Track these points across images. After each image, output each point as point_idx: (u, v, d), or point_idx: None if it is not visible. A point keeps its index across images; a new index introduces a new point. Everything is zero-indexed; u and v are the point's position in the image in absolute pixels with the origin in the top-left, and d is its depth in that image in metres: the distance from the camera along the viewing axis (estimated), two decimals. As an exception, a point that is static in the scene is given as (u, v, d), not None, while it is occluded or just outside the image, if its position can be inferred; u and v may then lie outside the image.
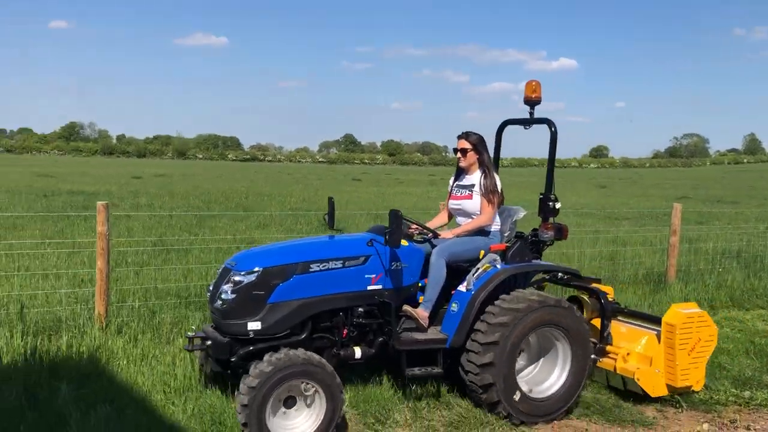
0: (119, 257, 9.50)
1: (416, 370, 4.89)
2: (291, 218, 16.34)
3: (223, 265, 4.80)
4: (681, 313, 5.22)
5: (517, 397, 4.79)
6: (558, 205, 5.24)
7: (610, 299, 5.52)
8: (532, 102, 5.30)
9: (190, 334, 4.85)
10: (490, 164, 5.34)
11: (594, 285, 5.60)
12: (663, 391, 5.23)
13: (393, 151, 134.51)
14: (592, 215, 19.48)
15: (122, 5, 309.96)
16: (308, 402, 4.33)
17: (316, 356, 4.38)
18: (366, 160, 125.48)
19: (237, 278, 4.56)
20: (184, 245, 11.07)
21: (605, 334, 5.40)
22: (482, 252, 5.11)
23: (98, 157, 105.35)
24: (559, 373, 5.05)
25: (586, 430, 4.91)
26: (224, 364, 4.59)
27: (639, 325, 5.52)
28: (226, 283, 4.58)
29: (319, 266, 4.69)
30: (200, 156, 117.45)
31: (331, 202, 5.33)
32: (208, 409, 4.63)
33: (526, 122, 5.44)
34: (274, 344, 4.52)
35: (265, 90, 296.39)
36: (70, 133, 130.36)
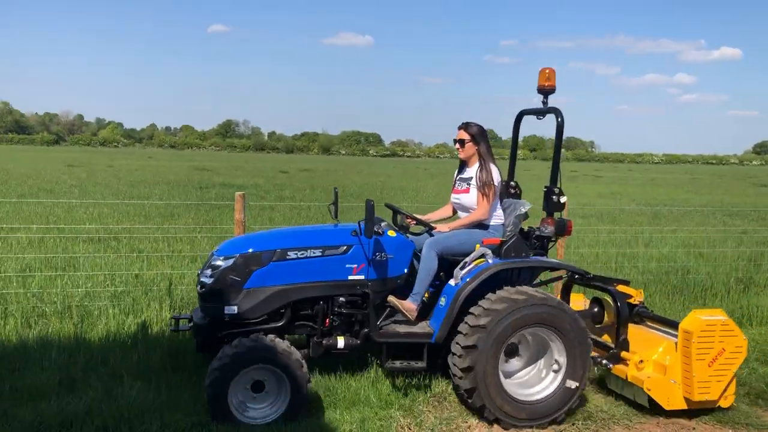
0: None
1: (397, 364, 4.82)
2: (419, 211, 16.70)
3: (211, 252, 4.94)
4: (700, 319, 4.76)
5: (502, 400, 4.57)
6: (563, 199, 5.01)
7: (635, 302, 5.29)
8: (545, 91, 5.06)
9: (176, 315, 5.03)
10: (487, 156, 5.10)
11: (619, 287, 5.29)
12: (680, 404, 4.78)
13: (534, 146, 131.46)
14: (741, 215, 18.23)
15: (273, 9, 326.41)
16: (274, 388, 4.42)
17: (283, 343, 4.41)
18: (506, 156, 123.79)
19: (216, 263, 4.70)
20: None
21: (621, 339, 5.04)
22: (478, 246, 4.92)
23: (250, 152, 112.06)
24: (553, 376, 4.77)
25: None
26: (203, 347, 4.74)
27: (665, 332, 5.10)
28: (207, 268, 4.74)
29: (296, 254, 4.72)
30: (343, 152, 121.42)
31: (335, 193, 5.20)
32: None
33: (540, 112, 5.23)
34: (251, 329, 4.59)
35: (408, 87, 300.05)
36: (226, 130, 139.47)
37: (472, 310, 4.59)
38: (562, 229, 5.05)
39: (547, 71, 5.00)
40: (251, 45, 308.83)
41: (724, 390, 4.82)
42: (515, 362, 4.93)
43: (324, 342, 4.81)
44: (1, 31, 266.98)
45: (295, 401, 4.38)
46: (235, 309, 4.60)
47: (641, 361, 4.86)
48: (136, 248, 9.83)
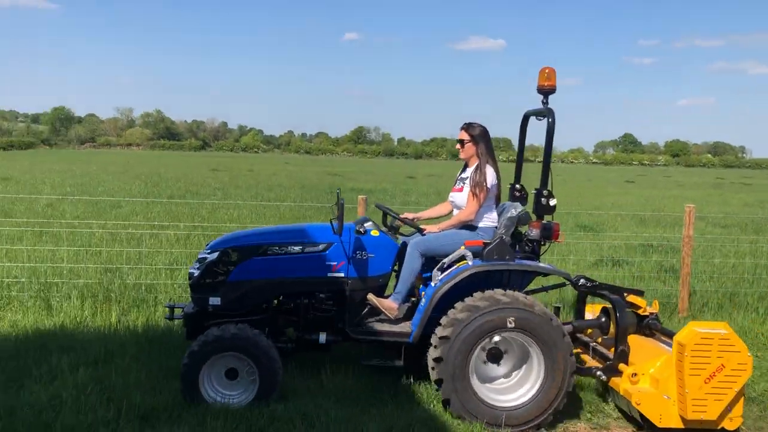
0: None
1: (374, 361, 4.92)
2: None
3: None
4: (695, 331, 4.40)
5: (470, 399, 4.54)
6: (553, 202, 4.85)
7: (644, 314, 5.10)
8: (545, 90, 4.88)
9: (170, 304, 5.37)
10: (484, 157, 5.06)
11: (630, 298, 5.13)
12: (675, 423, 4.46)
13: (678, 151, 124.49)
14: None
15: (404, 15, 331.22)
16: (246, 375, 4.61)
17: (251, 332, 4.57)
18: (645, 161, 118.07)
19: (203, 256, 4.94)
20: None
21: (618, 351, 4.82)
22: (462, 247, 4.87)
23: (380, 158, 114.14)
24: (530, 384, 4.66)
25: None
26: (192, 335, 4.85)
27: (670, 344, 4.73)
28: (197, 261, 5.00)
29: (277, 250, 4.89)
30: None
31: (338, 196, 5.00)
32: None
33: (542, 113, 5.04)
34: (235, 321, 4.76)
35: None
36: (358, 136, 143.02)
37: (456, 305, 4.60)
38: (548, 233, 4.91)
39: (546, 71, 4.84)
40: (382, 51, 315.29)
41: (727, 411, 4.44)
42: (499, 368, 4.81)
43: (306, 337, 4.97)
44: (165, 47, 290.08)
45: (263, 389, 4.57)
46: (218, 300, 4.84)
47: (634, 374, 4.61)
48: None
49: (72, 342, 5.77)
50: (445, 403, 4.59)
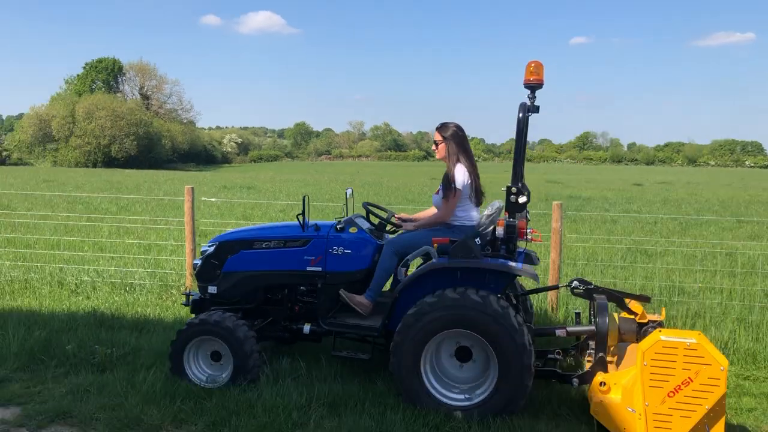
0: (589, 254, 10.34)
1: (343, 352, 5.09)
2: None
3: None
4: (658, 339, 3.97)
5: (421, 395, 4.58)
6: (522, 199, 4.70)
7: (643, 321, 4.72)
8: (532, 85, 4.70)
9: (186, 291, 5.63)
10: (454, 157, 5.03)
11: (631, 304, 4.85)
12: None
13: None
14: None
15: (637, 16, 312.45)
16: (227, 358, 4.98)
17: (230, 320, 4.95)
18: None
19: (204, 249, 5.49)
20: (659, 249, 11.23)
21: (597, 358, 4.53)
22: (436, 246, 4.80)
23: (607, 164, 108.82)
24: (486, 386, 4.54)
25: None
26: None
27: None
28: (201, 253, 5.49)
29: (262, 244, 5.29)
30: (712, 163, 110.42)
31: (304, 201, 5.18)
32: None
33: (531, 109, 4.80)
34: (229, 308, 5.24)
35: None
36: (584, 142, 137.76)
37: (419, 301, 4.61)
38: (511, 231, 4.75)
39: (533, 65, 4.65)
40: (614, 54, 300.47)
41: (703, 430, 3.91)
42: (466, 367, 4.70)
43: (293, 327, 5.29)
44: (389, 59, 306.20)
45: (237, 372, 4.92)
46: (215, 289, 5.37)
47: (603, 383, 4.26)
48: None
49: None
50: (398, 395, 4.69)
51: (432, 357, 4.69)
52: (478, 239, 4.90)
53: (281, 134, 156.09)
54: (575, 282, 5.14)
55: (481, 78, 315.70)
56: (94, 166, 65.38)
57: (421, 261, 5.11)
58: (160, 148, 74.84)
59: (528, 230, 4.89)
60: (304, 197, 5.18)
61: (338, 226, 5.20)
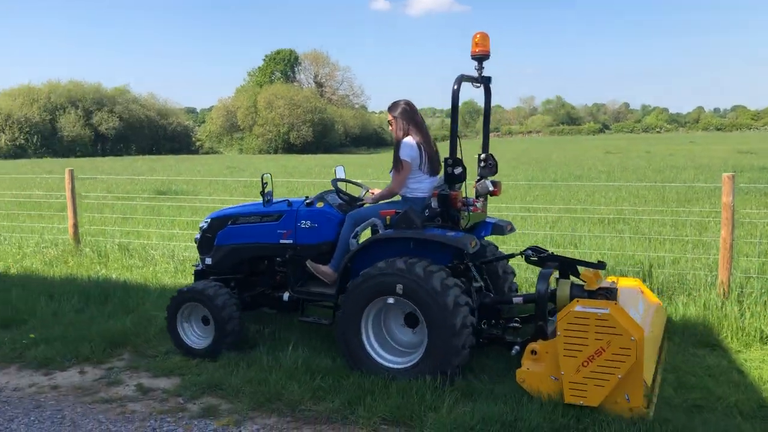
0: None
1: (309, 318, 5.50)
2: None
3: None
4: (572, 309, 4.09)
5: (360, 355, 4.87)
6: (458, 171, 4.74)
7: (589, 288, 4.60)
8: (478, 57, 4.90)
9: (195, 264, 6.23)
10: (401, 133, 5.19)
11: (584, 271, 4.73)
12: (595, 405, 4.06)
13: None
14: None
15: None
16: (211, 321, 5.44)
17: (212, 289, 5.43)
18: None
19: (201, 225, 6.03)
20: None
21: (537, 325, 4.62)
22: (388, 218, 4.98)
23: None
24: (419, 353, 4.73)
25: None
26: None
27: None
28: (200, 229, 6.02)
29: (244, 219, 5.74)
30: None
31: (262, 179, 5.65)
32: None
33: (477, 80, 5.02)
34: (223, 278, 5.76)
35: None
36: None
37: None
38: (443, 202, 4.85)
39: (478, 36, 4.84)
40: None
41: (618, 397, 4.01)
42: (413, 332, 4.94)
43: (275, 295, 5.73)
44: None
45: (217, 337, 5.38)
46: (210, 260, 5.89)
47: (534, 351, 4.36)
48: (640, 230, 9.95)
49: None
50: (346, 363, 4.97)
51: (373, 322, 4.95)
52: (427, 211, 5.00)
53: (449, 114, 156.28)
54: (529, 251, 5.12)
55: (656, 45, 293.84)
56: (275, 152, 69.65)
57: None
58: (333, 133, 78.01)
59: (470, 200, 5.07)
60: (262, 175, 5.67)
61: (306, 202, 5.53)
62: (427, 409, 4.34)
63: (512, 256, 5.49)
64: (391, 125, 5.30)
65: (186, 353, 5.50)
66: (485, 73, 5.08)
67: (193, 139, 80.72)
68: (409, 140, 5.13)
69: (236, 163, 38.02)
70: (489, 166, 5.25)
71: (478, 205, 5.17)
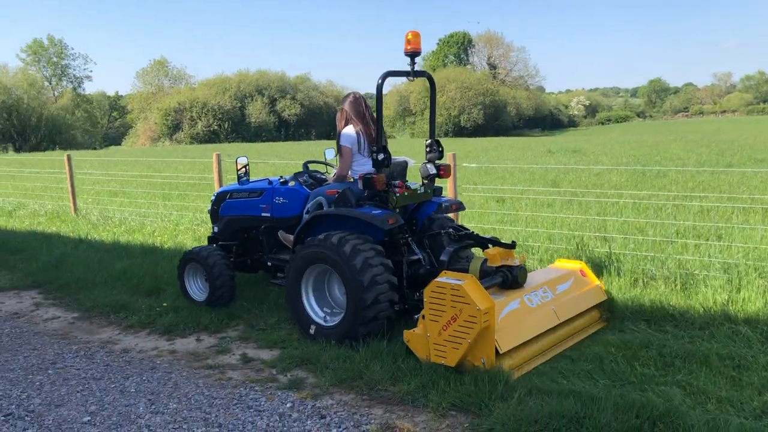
0: None
1: (276, 281, 6.20)
2: None
3: None
4: (434, 280, 4.64)
5: (312, 327, 5.49)
6: (380, 157, 5.32)
7: (492, 264, 5.23)
8: (411, 54, 5.31)
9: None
10: (342, 122, 5.93)
11: (494, 249, 5.39)
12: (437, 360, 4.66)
13: None
14: None
15: None
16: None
17: (206, 251, 6.50)
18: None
19: (212, 198, 7.01)
20: None
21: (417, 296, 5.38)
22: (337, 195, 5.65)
23: None
24: (342, 314, 5.34)
25: None
26: None
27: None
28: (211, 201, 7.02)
29: (237, 195, 6.60)
30: None
31: (237, 163, 6.65)
32: None
33: (408, 74, 5.44)
34: (227, 243, 6.75)
35: None
36: None
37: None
38: (367, 183, 5.39)
39: (409, 35, 5.26)
40: None
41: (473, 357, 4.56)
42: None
43: (261, 260, 6.53)
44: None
45: (211, 291, 6.42)
46: (217, 228, 6.85)
47: (423, 317, 4.76)
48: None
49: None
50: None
51: (314, 285, 5.59)
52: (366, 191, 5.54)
53: (634, 93, 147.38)
54: (451, 229, 5.74)
55: None
56: (446, 135, 70.09)
57: None
58: (505, 115, 76.91)
59: (395, 183, 5.50)
60: (237, 159, 6.64)
61: (281, 181, 6.34)
62: (497, 398, 4.27)
63: (438, 233, 5.82)
64: (338, 115, 6.04)
65: (191, 303, 6.61)
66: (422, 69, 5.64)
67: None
68: (348, 129, 5.85)
69: (401, 147, 38.78)
70: (434, 152, 5.80)
71: (416, 186, 5.65)
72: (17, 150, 59.39)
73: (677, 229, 8.41)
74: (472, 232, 5.77)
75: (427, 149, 5.81)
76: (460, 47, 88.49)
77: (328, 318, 5.51)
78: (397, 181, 5.52)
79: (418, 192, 5.66)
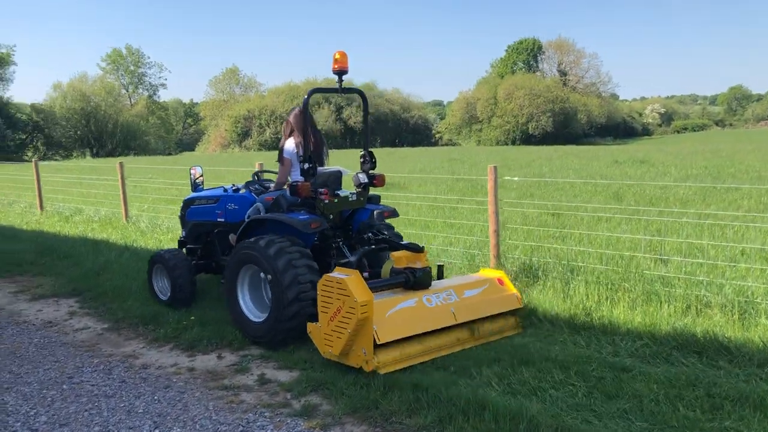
0: None
1: (222, 281, 6.27)
2: None
3: None
4: (326, 274, 5.01)
5: (236, 310, 6.00)
6: (306, 166, 5.81)
7: (397, 266, 5.60)
8: (338, 72, 5.74)
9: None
10: (285, 135, 6.46)
11: (401, 251, 5.78)
12: (329, 355, 5.07)
13: None
14: None
15: None
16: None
17: (169, 254, 6.94)
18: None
19: (182, 204, 7.42)
20: None
21: None
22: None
23: None
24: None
25: None
26: None
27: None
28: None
29: (199, 202, 7.03)
30: None
31: (191, 173, 7.48)
32: None
33: (335, 91, 6.00)
34: (192, 246, 7.24)
35: None
36: None
37: None
38: (293, 190, 5.81)
39: (337, 55, 5.70)
40: None
41: (356, 351, 4.89)
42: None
43: (220, 262, 6.87)
44: None
45: (172, 291, 6.88)
46: (184, 233, 7.34)
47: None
48: None
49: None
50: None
51: (249, 284, 5.97)
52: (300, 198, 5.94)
53: (713, 101, 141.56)
54: (370, 234, 6.08)
55: None
56: (513, 143, 69.01)
57: None
58: (575, 123, 75.10)
59: (320, 190, 5.91)
60: (189, 169, 7.38)
61: (233, 188, 6.82)
62: (517, 439, 3.91)
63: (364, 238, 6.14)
64: (283, 126, 6.55)
65: (158, 302, 7.08)
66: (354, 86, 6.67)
67: (433, 131, 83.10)
68: (289, 142, 6.36)
69: (462, 155, 38.28)
70: (367, 162, 6.22)
71: (346, 193, 6.11)
72: (94, 155, 61.87)
73: (742, 251, 7.76)
74: (389, 236, 6.13)
75: (361, 160, 6.26)
76: (529, 54, 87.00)
77: (261, 316, 5.85)
78: (322, 189, 5.93)
79: (349, 199, 6.13)
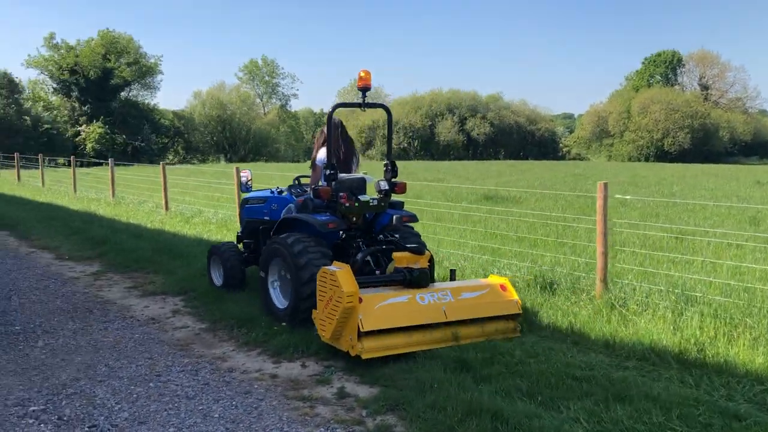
0: None
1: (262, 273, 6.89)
2: None
3: None
4: (324, 267, 5.58)
5: (266, 297, 6.80)
6: (327, 172, 6.48)
7: (398, 265, 6.03)
8: (363, 89, 6.40)
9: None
10: (319, 144, 7.24)
11: (403, 253, 6.17)
12: (323, 338, 5.66)
13: None
14: None
15: None
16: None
17: (223, 247, 8.10)
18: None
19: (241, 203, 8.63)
20: None
21: None
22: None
23: None
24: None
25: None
26: None
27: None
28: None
29: (252, 202, 8.03)
30: None
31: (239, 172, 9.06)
32: None
33: (360, 106, 6.55)
34: (247, 241, 8.09)
35: None
36: None
37: None
38: (315, 194, 6.49)
39: (362, 73, 6.30)
40: None
41: (344, 337, 5.47)
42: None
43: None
44: None
45: (224, 279, 7.95)
46: (242, 228, 8.18)
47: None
48: None
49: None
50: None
51: (279, 276, 6.67)
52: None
53: None
54: (381, 236, 6.66)
55: None
56: (646, 160, 65.71)
57: None
58: (716, 140, 70.40)
59: (340, 194, 6.44)
60: (240, 171, 8.72)
61: (278, 191, 7.57)
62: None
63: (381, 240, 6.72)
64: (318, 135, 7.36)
65: (216, 288, 8.04)
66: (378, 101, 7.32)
67: (560, 145, 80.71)
68: (321, 151, 7.04)
69: (587, 171, 36.78)
70: (388, 171, 6.78)
71: (368, 198, 6.62)
72: (228, 160, 65.31)
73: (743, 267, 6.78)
74: (398, 239, 6.54)
75: (384, 168, 6.85)
76: (667, 66, 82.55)
77: (284, 303, 6.53)
78: (342, 193, 6.44)
79: (370, 204, 6.63)
